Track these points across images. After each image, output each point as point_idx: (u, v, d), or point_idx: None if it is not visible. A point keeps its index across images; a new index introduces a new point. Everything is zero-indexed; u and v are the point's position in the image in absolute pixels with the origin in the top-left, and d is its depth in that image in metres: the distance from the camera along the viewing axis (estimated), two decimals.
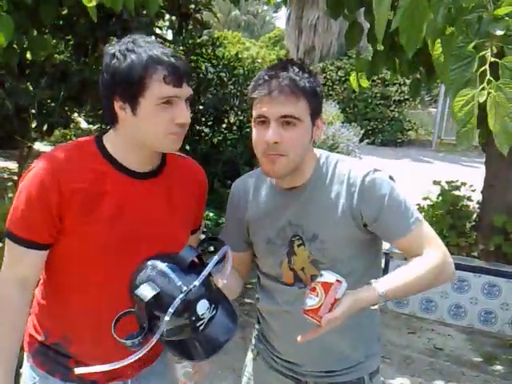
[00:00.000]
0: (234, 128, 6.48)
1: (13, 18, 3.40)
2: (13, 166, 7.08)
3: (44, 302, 1.45)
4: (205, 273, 1.13)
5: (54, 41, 5.30)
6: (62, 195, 1.27)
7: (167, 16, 7.64)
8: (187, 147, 6.25)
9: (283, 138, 1.29)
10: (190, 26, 7.28)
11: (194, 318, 1.12)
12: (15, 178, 5.70)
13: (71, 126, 7.54)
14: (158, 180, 1.40)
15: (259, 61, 8.47)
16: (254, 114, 1.33)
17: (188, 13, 7.07)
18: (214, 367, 3.26)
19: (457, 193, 5.21)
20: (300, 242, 1.42)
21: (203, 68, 6.48)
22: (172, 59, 1.26)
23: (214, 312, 1.16)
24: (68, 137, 8.82)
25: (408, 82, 12.30)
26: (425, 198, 5.16)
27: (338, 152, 9.07)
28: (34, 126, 5.04)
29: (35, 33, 4.27)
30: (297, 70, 1.33)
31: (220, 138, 6.43)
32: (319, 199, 1.40)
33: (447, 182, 5.31)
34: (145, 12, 5.25)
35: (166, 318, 1.06)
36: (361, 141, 10.88)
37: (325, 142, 9.14)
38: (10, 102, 4.39)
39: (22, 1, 3.44)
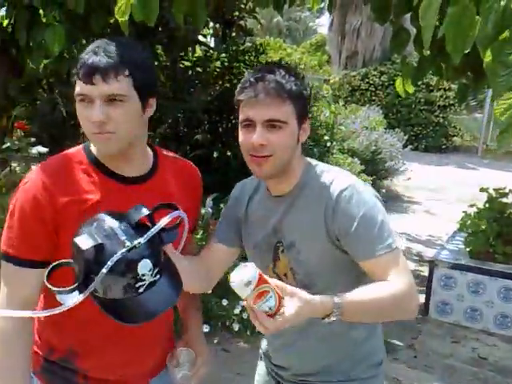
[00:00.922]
0: None
1: (64, 27, 3.54)
2: None
3: (45, 317, 1.37)
4: (152, 231, 1.08)
5: None
6: (56, 210, 1.25)
7: (211, 24, 7.76)
8: (228, 153, 6.31)
9: (269, 141, 1.30)
10: (234, 34, 7.37)
11: (133, 278, 1.06)
12: None
13: None
14: (149, 184, 1.38)
15: (302, 66, 8.46)
16: (240, 117, 1.33)
17: (232, 20, 7.15)
18: (223, 370, 3.28)
19: (504, 200, 5.07)
20: (282, 249, 1.43)
21: (245, 75, 6.53)
22: (95, 57, 1.19)
23: (158, 277, 1.10)
24: None
25: (454, 87, 12.03)
26: (471, 205, 5.04)
27: (380, 158, 8.96)
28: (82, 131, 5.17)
29: (84, 42, 4.42)
30: (283, 72, 1.33)
31: None
32: (299, 208, 1.39)
33: (495, 190, 5.17)
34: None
35: (104, 270, 1.01)
36: (404, 146, 10.71)
37: (367, 147, 9.04)
38: (62, 108, 4.54)
39: (74, 11, 3.57)
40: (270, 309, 1.07)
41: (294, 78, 1.33)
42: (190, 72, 6.66)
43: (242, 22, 7.40)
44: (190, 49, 6.59)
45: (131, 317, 1.10)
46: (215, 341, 3.86)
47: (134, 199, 1.24)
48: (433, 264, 4.64)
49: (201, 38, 7.26)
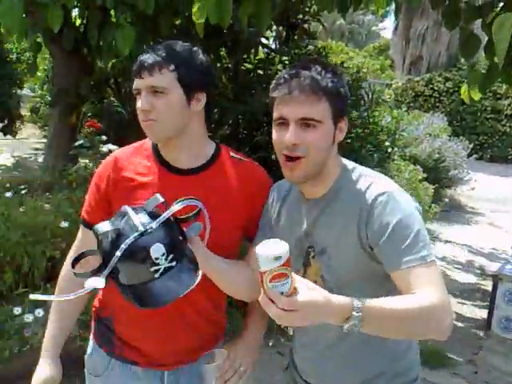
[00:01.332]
0: None
1: (134, 28, 3.64)
2: None
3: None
4: (163, 216, 1.14)
5: None
6: (109, 183, 1.46)
7: (274, 26, 7.79)
8: None
9: (302, 140, 1.24)
10: (296, 37, 7.35)
11: (147, 262, 1.11)
12: None
13: None
14: (198, 177, 1.43)
15: (364, 70, 8.35)
16: (274, 115, 1.29)
17: (296, 23, 7.14)
18: (276, 373, 3.24)
19: None
20: (313, 254, 1.36)
21: None
22: (146, 55, 1.35)
23: (174, 263, 1.14)
24: None
25: None
26: None
27: (443, 166, 8.70)
28: None
29: (152, 43, 4.53)
30: (319, 68, 1.27)
31: None
32: (333, 212, 1.33)
33: None
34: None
35: (118, 253, 1.07)
36: (469, 155, 10.35)
37: (430, 155, 8.80)
38: (127, 107, 4.67)
39: (144, 12, 3.67)
40: (282, 293, 1.01)
41: (330, 75, 1.27)
42: (251, 74, 6.70)
43: (305, 25, 7.39)
44: (252, 51, 6.63)
45: (147, 301, 1.14)
46: (270, 343, 3.85)
47: (177, 187, 1.35)
48: (496, 278, 4.45)
49: (263, 40, 7.30)
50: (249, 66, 6.81)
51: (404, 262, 1.18)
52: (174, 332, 1.46)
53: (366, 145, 5.51)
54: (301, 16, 7.33)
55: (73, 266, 1.17)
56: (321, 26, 7.69)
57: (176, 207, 1.18)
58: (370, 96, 4.89)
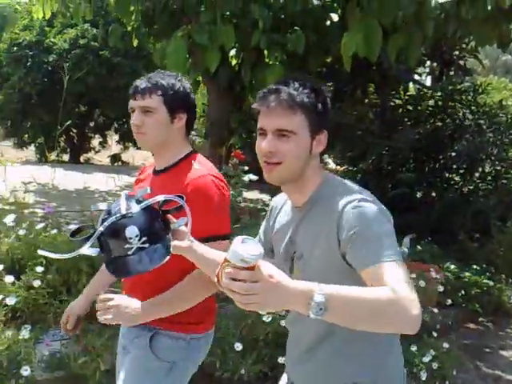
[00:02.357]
0: (489, 178, 6.04)
1: (283, 67, 3.84)
2: (266, 198, 7.82)
3: None
4: (143, 204, 1.36)
5: None
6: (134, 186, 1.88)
7: (428, 63, 7.61)
8: (433, 194, 6.06)
9: (278, 148, 1.35)
10: (451, 73, 7.11)
11: (123, 239, 1.32)
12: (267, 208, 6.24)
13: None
14: (159, 176, 1.72)
15: None
16: (258, 125, 1.40)
17: (451, 59, 6.93)
18: None
19: None
20: (296, 260, 1.44)
21: (460, 114, 6.23)
22: (140, 81, 1.66)
23: (147, 245, 1.34)
24: None
25: None
26: None
27: None
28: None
29: None
30: (297, 85, 1.37)
31: (471, 187, 6.06)
32: (311, 219, 1.41)
33: None
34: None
35: (101, 228, 1.32)
36: None
37: None
38: None
39: (294, 51, 3.86)
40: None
41: (307, 91, 1.37)
42: (399, 110, 6.61)
43: (461, 62, 7.12)
44: (401, 87, 6.55)
45: (119, 273, 1.41)
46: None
47: (150, 184, 1.69)
48: None
49: (416, 77, 7.16)
50: (398, 101, 6.73)
51: (370, 261, 1.23)
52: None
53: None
54: (457, 52, 7.09)
55: (72, 235, 1.43)
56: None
57: (156, 199, 1.39)
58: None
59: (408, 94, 6.66)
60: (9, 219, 2.97)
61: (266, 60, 4.21)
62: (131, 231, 1.33)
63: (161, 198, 1.40)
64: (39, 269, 2.66)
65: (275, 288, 1.06)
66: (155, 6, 4.86)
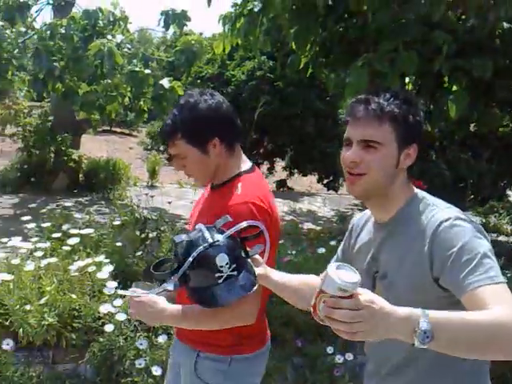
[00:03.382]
0: None
1: (467, 93, 3.65)
2: None
3: None
4: (229, 232, 1.34)
5: (501, 114, 5.35)
6: None
7: None
8: None
9: (361, 159, 1.31)
10: None
11: (213, 268, 1.30)
12: None
13: (504, 199, 7.41)
14: (213, 192, 1.71)
15: None
16: (344, 136, 1.38)
17: None
18: None
19: None
20: (378, 279, 1.38)
21: None
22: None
23: (235, 273, 1.32)
24: (495, 209, 8.64)
25: None
26: None
27: None
28: (469, 195, 5.17)
29: (484, 107, 4.42)
30: (388, 95, 1.34)
31: None
32: (397, 237, 1.35)
33: None
34: None
35: (190, 258, 1.29)
36: None
37: None
38: (450, 171, 4.64)
39: (480, 77, 3.65)
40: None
41: (399, 102, 1.33)
42: None
43: None
44: None
45: (207, 302, 1.38)
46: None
47: (205, 201, 1.74)
48: None
49: None
50: None
51: (471, 283, 1.15)
52: None
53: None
54: None
55: (154, 269, 1.41)
56: None
57: (239, 226, 1.36)
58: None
59: None
60: None
61: (445, 86, 4.06)
62: (222, 259, 1.32)
63: (243, 224, 1.38)
64: None
65: (380, 314, 1.01)
66: (332, 37, 4.97)
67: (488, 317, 1.07)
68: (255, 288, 1.38)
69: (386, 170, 1.33)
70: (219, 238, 1.36)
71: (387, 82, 3.30)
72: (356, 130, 1.34)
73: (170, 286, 1.35)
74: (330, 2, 4.54)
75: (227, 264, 1.33)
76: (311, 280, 1.50)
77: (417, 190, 1.44)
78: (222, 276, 1.34)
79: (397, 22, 3.85)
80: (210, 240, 1.34)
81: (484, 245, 1.22)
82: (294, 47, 5.20)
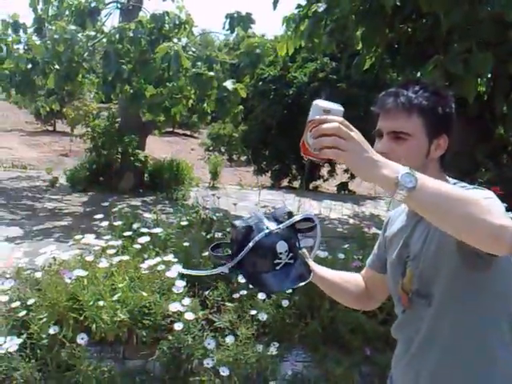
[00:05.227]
0: None
1: None
2: None
3: None
4: (287, 222, 1.37)
5: None
6: None
7: None
8: None
9: (391, 150, 1.33)
10: None
11: (272, 254, 1.33)
12: None
13: None
14: None
15: None
16: (376, 128, 1.41)
17: None
18: None
19: None
20: (409, 263, 1.42)
21: None
22: None
23: (292, 261, 1.35)
24: None
25: None
26: None
27: None
28: None
29: None
30: (417, 88, 1.37)
31: None
32: (426, 223, 1.33)
33: None
34: None
35: (250, 244, 1.32)
36: None
37: None
38: None
39: None
40: None
41: (428, 94, 1.36)
42: None
43: None
44: None
45: (262, 288, 1.42)
46: None
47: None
48: None
49: None
50: None
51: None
52: None
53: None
54: None
55: (212, 249, 1.43)
56: None
57: (297, 217, 1.39)
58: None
59: None
60: None
61: None
62: (282, 246, 1.36)
63: (299, 217, 1.41)
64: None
65: (362, 138, 1.07)
66: (400, 38, 4.87)
67: (475, 194, 1.17)
68: (310, 278, 1.41)
69: (416, 159, 1.37)
70: (280, 226, 1.40)
71: (465, 84, 3.20)
72: (386, 122, 1.40)
73: (225, 269, 1.39)
74: (398, 3, 4.46)
75: (286, 252, 1.37)
76: (353, 277, 1.68)
77: (450, 180, 1.45)
78: (280, 263, 1.37)
79: (470, 21, 3.73)
80: (271, 227, 1.38)
81: (498, 204, 1.23)
82: (359, 48, 5.14)
